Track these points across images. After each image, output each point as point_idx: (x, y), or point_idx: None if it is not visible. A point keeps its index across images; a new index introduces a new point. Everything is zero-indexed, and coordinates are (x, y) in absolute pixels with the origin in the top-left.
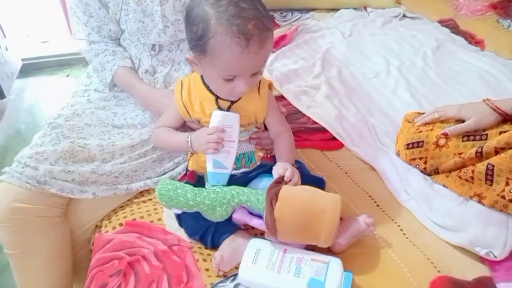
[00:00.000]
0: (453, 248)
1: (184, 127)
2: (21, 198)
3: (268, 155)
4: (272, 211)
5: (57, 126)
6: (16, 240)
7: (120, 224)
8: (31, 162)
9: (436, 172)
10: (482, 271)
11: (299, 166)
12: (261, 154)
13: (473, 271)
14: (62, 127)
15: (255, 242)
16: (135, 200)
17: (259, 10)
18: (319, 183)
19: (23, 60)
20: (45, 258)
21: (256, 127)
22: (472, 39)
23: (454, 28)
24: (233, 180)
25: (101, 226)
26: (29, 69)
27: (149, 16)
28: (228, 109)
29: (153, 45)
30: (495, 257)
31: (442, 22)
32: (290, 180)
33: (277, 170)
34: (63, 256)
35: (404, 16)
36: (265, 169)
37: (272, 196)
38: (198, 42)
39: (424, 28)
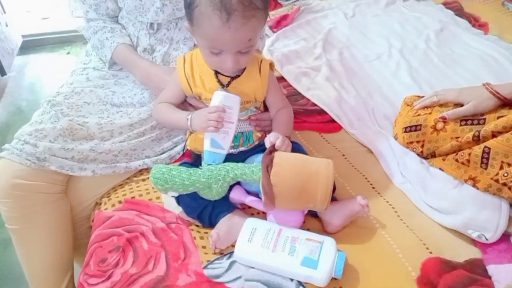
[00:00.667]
0: (446, 231)
1: (184, 104)
2: (21, 175)
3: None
4: (269, 177)
5: (56, 104)
6: (17, 215)
7: (119, 202)
8: (31, 139)
9: (433, 155)
10: (474, 253)
11: (296, 146)
12: (259, 134)
13: (465, 253)
14: (61, 105)
15: (252, 221)
16: (134, 179)
17: None
18: None
19: (23, 36)
20: (46, 233)
21: (256, 107)
22: (476, 22)
23: (458, 10)
24: (230, 158)
25: (100, 204)
26: (30, 45)
27: None
28: (228, 85)
29: (151, 23)
30: (487, 239)
31: (447, 4)
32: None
33: (268, 139)
34: (64, 232)
35: None
36: (263, 148)
37: (268, 163)
38: (187, 10)
39: (428, 10)
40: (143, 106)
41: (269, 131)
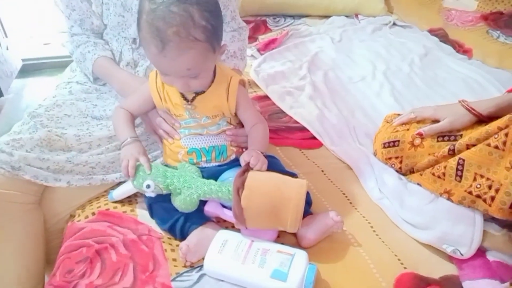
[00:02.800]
0: (422, 246)
1: (145, 116)
2: None
3: (243, 150)
4: (239, 200)
5: (36, 116)
6: None
7: (93, 213)
8: (7, 148)
9: (412, 171)
10: (450, 269)
11: (273, 161)
12: (234, 149)
13: (441, 269)
14: (41, 116)
15: (223, 233)
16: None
17: (192, 18)
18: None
19: (23, 60)
20: (17, 245)
21: (229, 122)
22: (460, 48)
23: (443, 37)
24: (204, 172)
25: (74, 216)
26: (29, 69)
27: (129, 11)
28: (193, 100)
29: (134, 38)
30: (462, 255)
31: (432, 31)
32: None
33: (243, 158)
34: (36, 245)
35: (394, 24)
36: (239, 163)
37: (239, 185)
38: (137, 32)
39: (413, 36)
40: None
41: (246, 147)
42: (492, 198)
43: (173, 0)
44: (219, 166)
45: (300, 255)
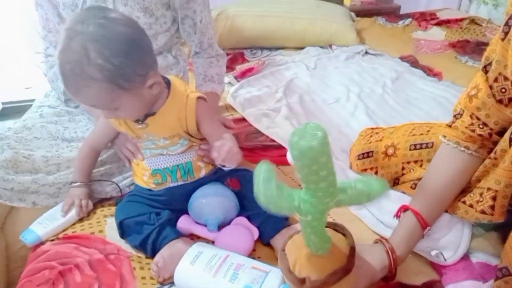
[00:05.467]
0: None
1: (112, 142)
2: None
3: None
4: None
5: (4, 138)
6: None
7: (58, 238)
8: None
9: (396, 183)
10: (432, 276)
11: (248, 174)
12: (202, 165)
13: (423, 276)
14: (9, 139)
15: (199, 246)
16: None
17: (86, 55)
18: None
19: (3, 103)
20: None
21: (189, 140)
22: (430, 72)
23: (413, 62)
24: (174, 190)
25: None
26: (9, 112)
27: None
28: (143, 121)
29: None
30: (445, 260)
31: (403, 58)
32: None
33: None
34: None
35: (366, 52)
36: (217, 176)
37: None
38: None
39: (385, 63)
40: None
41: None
42: (492, 207)
43: (76, 34)
44: (192, 183)
45: (275, 274)
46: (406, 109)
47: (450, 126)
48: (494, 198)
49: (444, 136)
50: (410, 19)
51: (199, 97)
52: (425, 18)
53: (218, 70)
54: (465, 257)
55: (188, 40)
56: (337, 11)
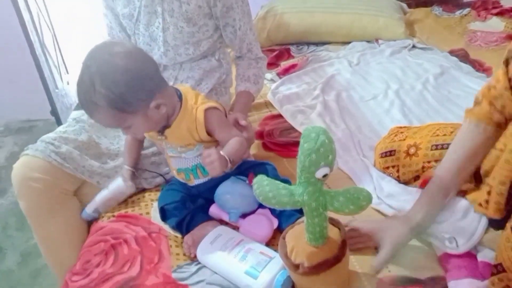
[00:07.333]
0: (410, 248)
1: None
2: (42, 170)
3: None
4: None
5: (80, 121)
6: (36, 208)
7: (113, 216)
8: (55, 142)
9: (416, 179)
10: (436, 271)
11: (267, 168)
12: None
13: (428, 271)
14: (84, 122)
15: (220, 229)
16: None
17: (93, 86)
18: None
19: None
20: (63, 228)
21: (206, 145)
22: (480, 67)
23: (463, 56)
24: (200, 186)
25: (98, 218)
26: None
27: (154, 41)
28: (162, 133)
29: (159, 63)
30: (457, 246)
31: (453, 52)
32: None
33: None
34: (79, 227)
35: (414, 46)
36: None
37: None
38: None
39: (431, 57)
40: None
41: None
42: (487, 202)
43: (86, 68)
44: (214, 179)
45: (278, 259)
46: (444, 106)
47: (470, 111)
48: (489, 193)
49: (466, 118)
50: (468, 9)
51: (207, 109)
52: (486, 7)
53: (256, 71)
54: (472, 254)
55: (230, 45)
56: (386, 4)
